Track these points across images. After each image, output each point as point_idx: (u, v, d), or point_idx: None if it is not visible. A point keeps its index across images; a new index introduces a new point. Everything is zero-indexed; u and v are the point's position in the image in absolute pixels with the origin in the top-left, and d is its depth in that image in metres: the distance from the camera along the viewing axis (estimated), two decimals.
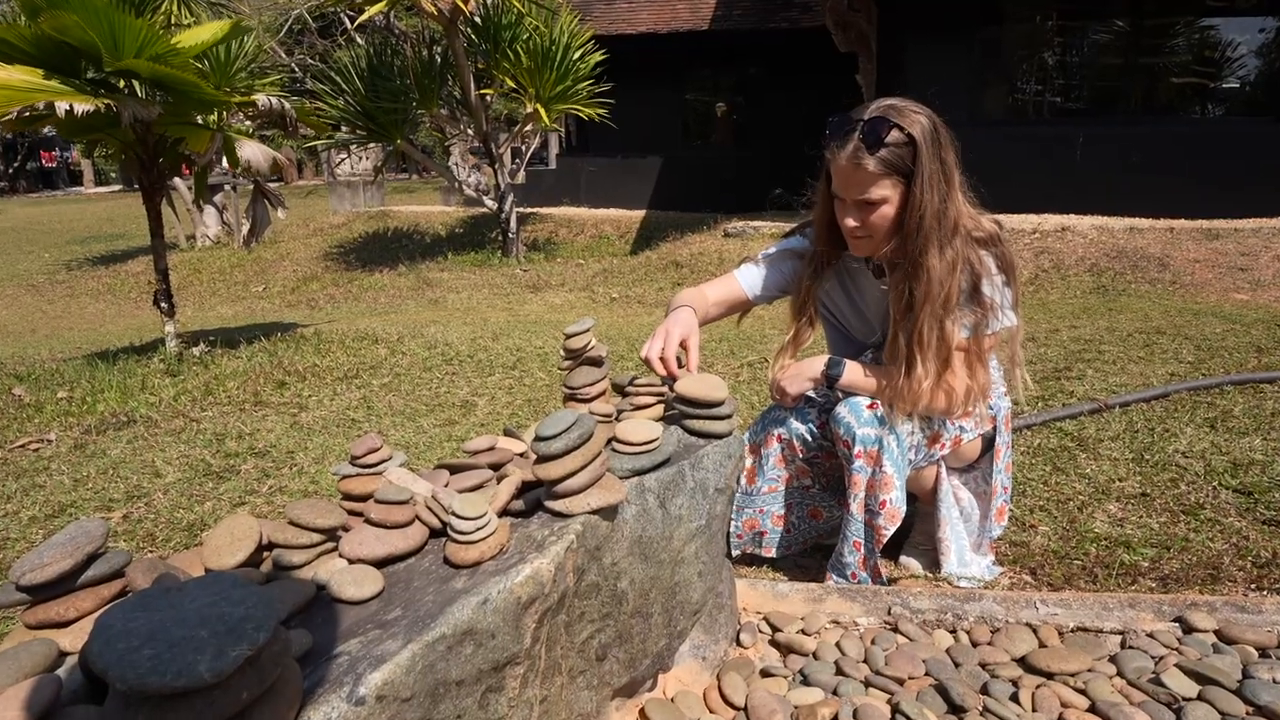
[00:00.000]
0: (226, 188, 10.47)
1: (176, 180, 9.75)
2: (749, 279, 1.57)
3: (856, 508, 1.45)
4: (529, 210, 10.36)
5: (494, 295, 6.55)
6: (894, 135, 1.30)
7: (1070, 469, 2.08)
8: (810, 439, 1.55)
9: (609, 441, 0.94)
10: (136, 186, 4.04)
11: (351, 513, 0.83)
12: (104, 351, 4.36)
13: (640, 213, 9.91)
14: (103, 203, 19.10)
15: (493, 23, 7.33)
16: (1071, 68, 7.42)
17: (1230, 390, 2.57)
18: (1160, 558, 1.63)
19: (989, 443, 1.57)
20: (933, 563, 1.59)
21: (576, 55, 7.46)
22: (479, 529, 0.74)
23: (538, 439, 0.80)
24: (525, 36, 7.23)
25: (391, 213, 11.18)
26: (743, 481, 1.61)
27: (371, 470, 0.87)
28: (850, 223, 1.35)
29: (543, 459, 0.80)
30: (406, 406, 3.00)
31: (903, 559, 1.65)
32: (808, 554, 1.71)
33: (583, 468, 0.79)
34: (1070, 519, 1.82)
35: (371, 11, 6.33)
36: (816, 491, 1.61)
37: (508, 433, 1.08)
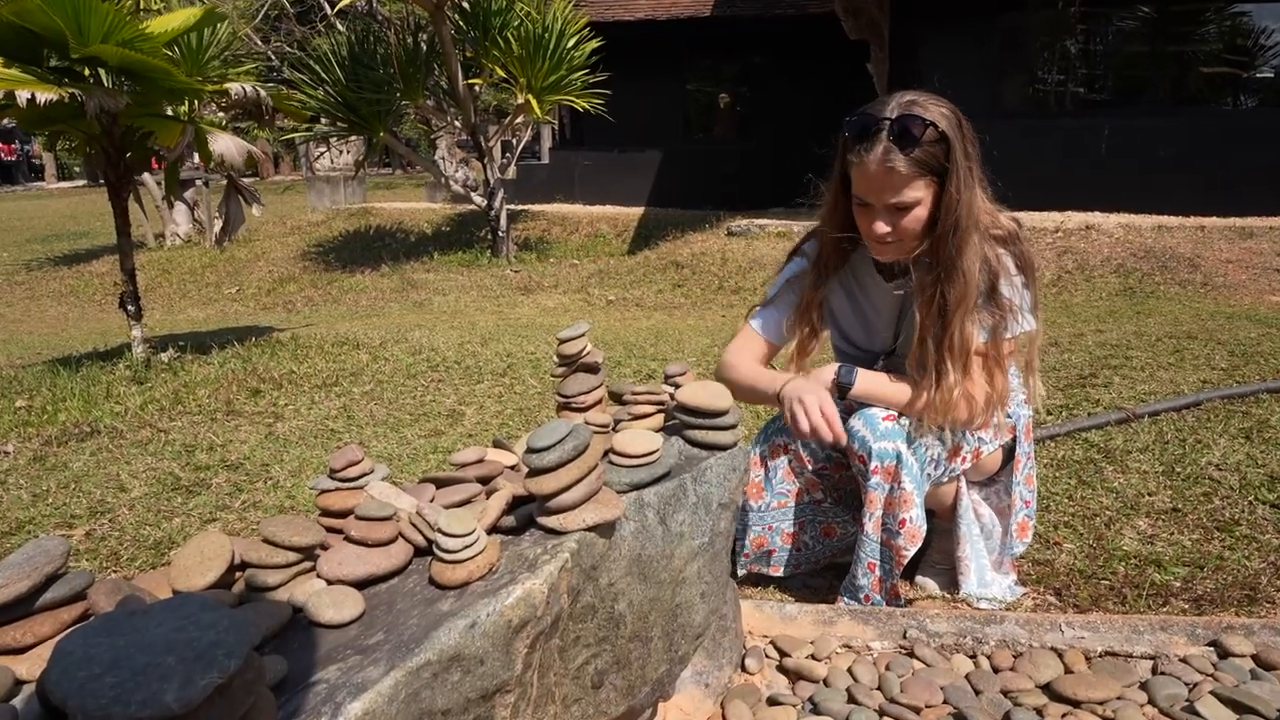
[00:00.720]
0: (198, 183, 10.47)
1: (145, 176, 9.76)
2: (768, 326, 1.58)
3: (872, 527, 1.45)
4: (520, 207, 10.38)
5: (483, 297, 6.56)
6: (928, 134, 1.29)
7: (1097, 483, 2.08)
8: (819, 450, 1.55)
9: (606, 453, 0.94)
10: (102, 182, 4.04)
11: (330, 530, 0.83)
12: (66, 357, 4.36)
13: (638, 210, 9.93)
14: (66, 199, 19.10)
15: (482, 8, 7.35)
16: (1095, 57, 7.45)
17: (1266, 398, 2.57)
18: (1193, 577, 1.63)
19: (1009, 454, 1.56)
20: (951, 582, 1.59)
21: (571, 43, 7.48)
22: (466, 547, 0.74)
23: (529, 451, 0.80)
24: (516, 23, 7.25)
25: (374, 210, 11.19)
26: (750, 500, 1.60)
27: (352, 484, 0.87)
28: (880, 228, 1.34)
29: (535, 472, 0.80)
30: (389, 416, 3.00)
31: (919, 579, 1.64)
32: (818, 573, 1.71)
33: (578, 481, 0.79)
34: (1097, 536, 1.82)
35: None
36: (829, 506, 1.61)
37: (497, 444, 1.07)
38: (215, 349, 4.13)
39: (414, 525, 0.82)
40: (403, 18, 10.26)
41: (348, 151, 14.62)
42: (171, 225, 10.65)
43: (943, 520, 1.61)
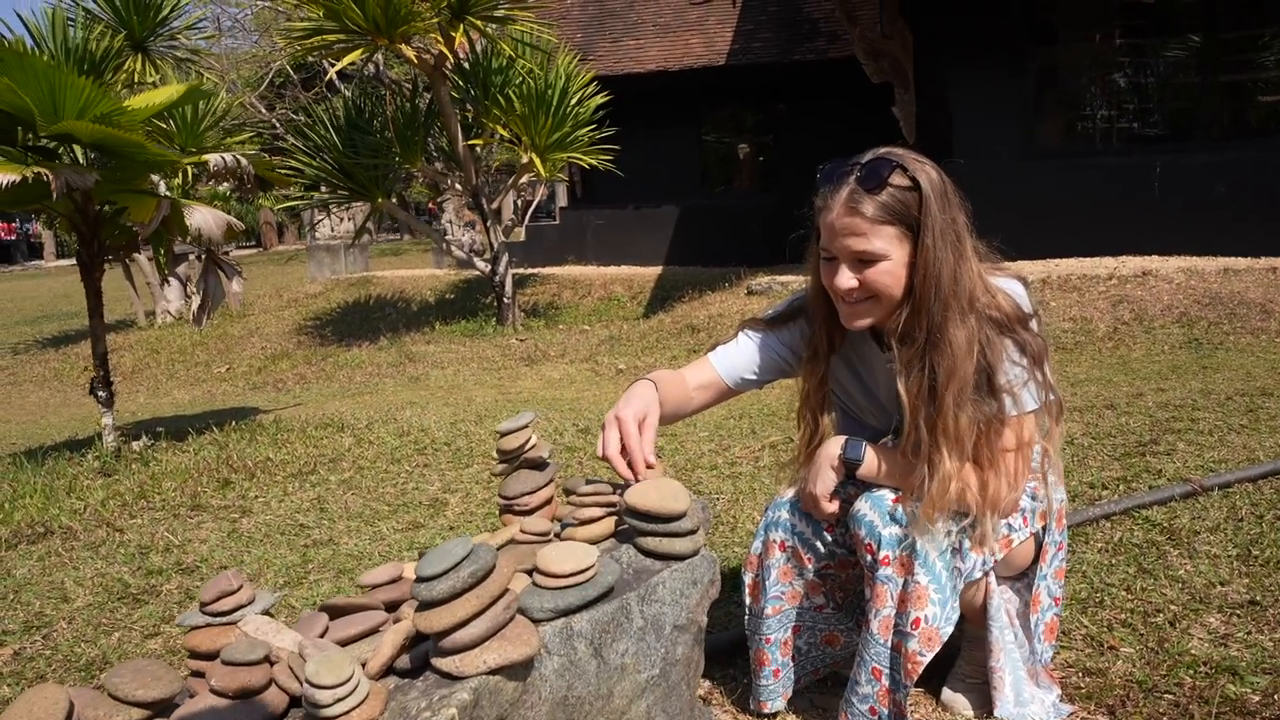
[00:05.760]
0: (191, 257, 10.77)
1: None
2: (724, 362, 1.52)
3: (879, 627, 1.34)
4: (529, 271, 10.50)
5: (483, 370, 6.56)
6: (897, 178, 1.27)
7: (1159, 570, 1.94)
8: (821, 546, 1.46)
9: (532, 571, 0.87)
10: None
11: (198, 674, 0.76)
12: (36, 448, 4.39)
13: (655, 269, 9.98)
14: (62, 277, 19.76)
15: (482, 67, 7.59)
16: (1142, 89, 7.45)
17: None
18: (1276, 687, 1.49)
19: (1039, 543, 1.46)
20: (984, 700, 1.46)
21: (575, 99, 7.66)
22: (338, 700, 0.66)
23: (417, 579, 0.73)
24: (518, 81, 7.46)
25: (375, 279, 11.40)
26: (748, 601, 1.51)
27: (224, 619, 0.80)
28: (844, 283, 1.29)
29: (424, 605, 0.73)
30: (365, 507, 2.94)
31: (946, 695, 1.52)
32: (823, 688, 1.59)
33: (478, 614, 0.72)
34: (1160, 637, 1.68)
35: (344, 62, 6.59)
36: (831, 611, 1.51)
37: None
38: (192, 435, 4.14)
39: (292, 669, 0.74)
40: (402, 81, 10.65)
41: (350, 218, 15.02)
42: (163, 302, 10.93)
43: (972, 624, 1.50)
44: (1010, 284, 1.35)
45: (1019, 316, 1.32)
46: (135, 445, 4.00)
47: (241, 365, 8.36)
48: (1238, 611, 1.74)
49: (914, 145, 7.94)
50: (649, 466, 1.23)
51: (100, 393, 4.09)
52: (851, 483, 1.41)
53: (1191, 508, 2.24)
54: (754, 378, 1.53)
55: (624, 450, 1.27)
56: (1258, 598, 1.78)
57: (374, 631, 0.84)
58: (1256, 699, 1.46)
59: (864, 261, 1.28)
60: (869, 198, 1.26)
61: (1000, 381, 1.29)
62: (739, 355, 1.52)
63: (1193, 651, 1.62)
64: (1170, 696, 1.49)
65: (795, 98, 10.85)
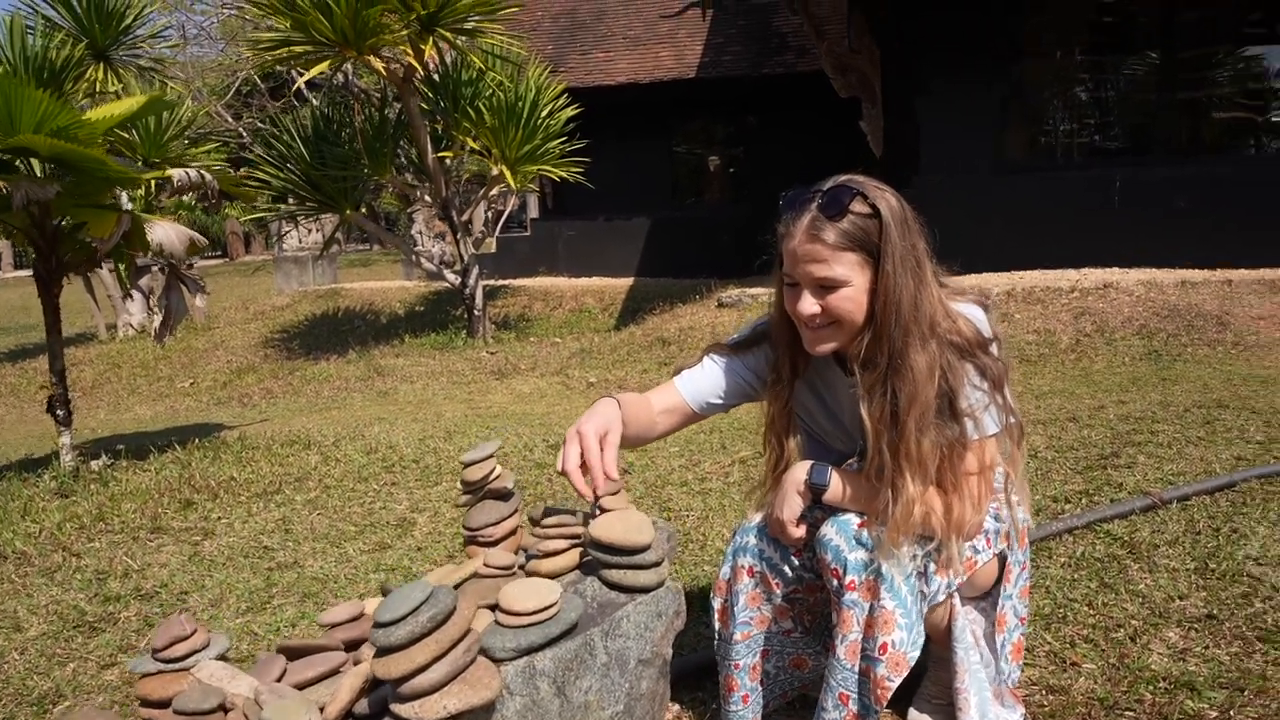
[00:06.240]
0: (155, 269, 10.59)
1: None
2: (689, 386, 1.52)
3: (845, 652, 1.35)
4: (500, 283, 10.46)
5: (453, 384, 6.52)
6: (858, 205, 1.29)
7: (1120, 585, 1.98)
8: (789, 570, 1.46)
9: (495, 608, 0.86)
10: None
11: None
12: None
13: (627, 281, 10.00)
14: (20, 288, 19.35)
15: (451, 79, 7.56)
16: (1103, 104, 7.62)
17: None
18: (1232, 703, 1.52)
19: (1003, 563, 1.48)
20: None
21: (545, 111, 7.67)
22: None
23: (376, 625, 0.72)
24: (488, 93, 7.45)
25: (343, 291, 11.29)
26: (717, 626, 1.51)
27: (177, 665, 0.78)
28: (807, 309, 1.31)
29: (383, 651, 0.72)
30: (332, 528, 2.90)
31: (912, 715, 1.53)
32: (791, 711, 1.59)
33: (438, 659, 0.71)
34: (1121, 653, 1.71)
35: (312, 73, 6.54)
36: (799, 635, 1.51)
37: (386, 593, 0.99)
38: (154, 453, 4.06)
39: (247, 718, 0.73)
40: (370, 91, 10.58)
41: (318, 230, 14.87)
42: (125, 315, 10.73)
43: (937, 646, 1.51)
44: (971, 309, 1.37)
45: (979, 341, 1.34)
46: (94, 465, 3.91)
47: (206, 380, 8.23)
48: (1196, 625, 1.78)
49: (881, 159, 8.02)
50: (610, 479, 1.23)
51: (58, 411, 4.00)
52: (818, 507, 1.42)
53: (1151, 521, 2.29)
54: (719, 402, 1.53)
55: (584, 467, 1.27)
56: (1214, 611, 1.82)
57: (334, 673, 0.82)
58: (1214, 714, 1.49)
59: (826, 288, 1.30)
60: (830, 225, 1.28)
61: (962, 406, 1.31)
62: (704, 380, 1.53)
63: (1153, 667, 1.65)
64: (1131, 713, 1.52)
65: (765, 110, 10.96)
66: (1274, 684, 1.55)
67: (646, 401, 1.48)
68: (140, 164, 5.15)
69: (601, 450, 1.29)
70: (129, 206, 4.06)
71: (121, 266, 10.03)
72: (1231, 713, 1.49)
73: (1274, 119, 7.32)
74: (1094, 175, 6.98)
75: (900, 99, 7.30)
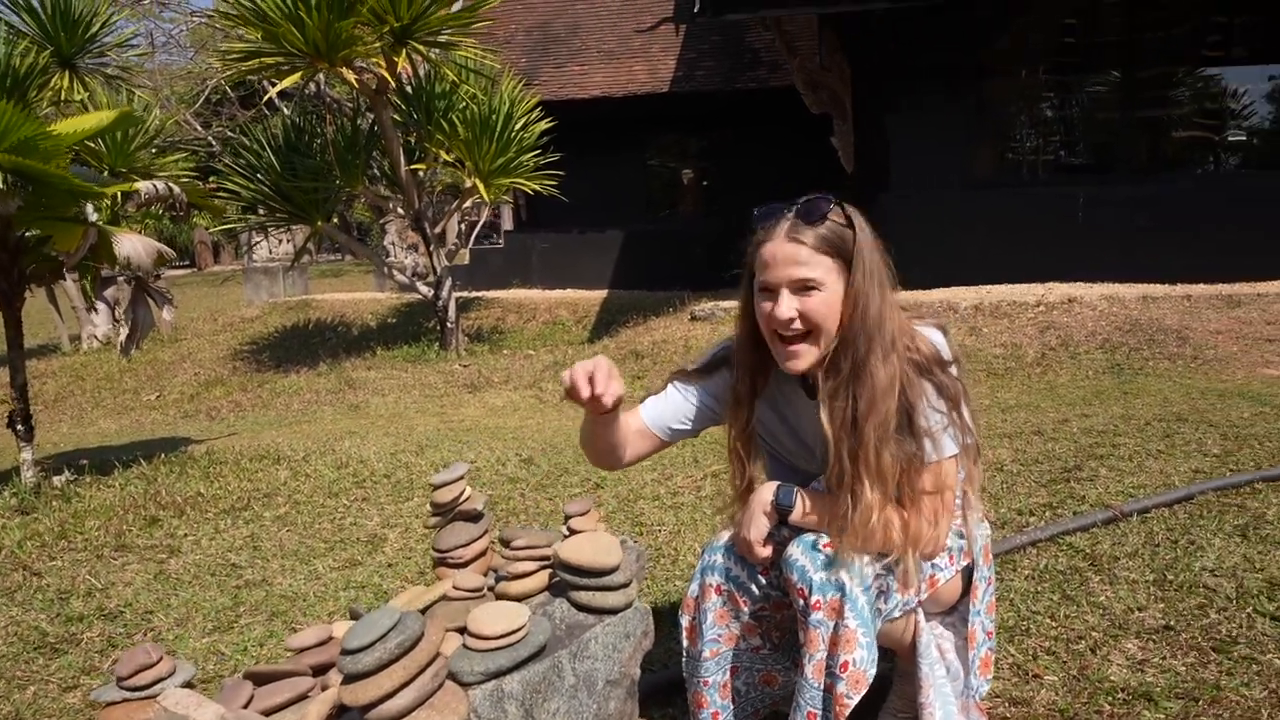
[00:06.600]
0: (120, 280, 10.43)
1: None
2: (652, 413, 1.55)
3: (812, 671, 1.37)
4: (473, 295, 10.43)
5: (425, 397, 6.48)
6: (835, 214, 1.35)
7: (1082, 597, 2.02)
8: (756, 589, 1.48)
9: (464, 631, 0.87)
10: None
11: None
12: None
13: (601, 293, 10.02)
14: None
15: (425, 91, 7.55)
16: (1068, 123, 7.79)
17: (1262, 488, 2.55)
18: (1187, 712, 1.56)
19: (968, 580, 1.51)
20: None
21: (520, 124, 7.68)
22: None
23: (343, 652, 0.73)
24: (462, 105, 7.45)
25: (314, 302, 11.18)
26: (685, 644, 1.52)
27: (142, 694, 0.78)
28: (784, 312, 1.33)
29: (350, 678, 0.73)
30: (301, 545, 2.88)
31: None
32: None
33: (405, 685, 0.72)
34: (1081, 664, 1.75)
35: (284, 84, 6.50)
36: (768, 652, 1.53)
37: (354, 616, 0.99)
38: (118, 468, 3.99)
39: None
40: (342, 101, 10.53)
41: (289, 240, 14.73)
42: (89, 327, 10.54)
43: (903, 661, 1.54)
44: (931, 332, 1.41)
45: (938, 360, 1.38)
46: (56, 480, 3.84)
47: (173, 392, 8.10)
48: (1153, 637, 1.82)
49: (853, 175, 8.11)
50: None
51: (19, 426, 3.93)
52: (785, 527, 1.44)
53: (1113, 533, 2.34)
54: (684, 427, 1.56)
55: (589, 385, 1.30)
56: (1172, 623, 1.86)
57: (301, 698, 0.82)
58: None
59: (803, 290, 1.33)
60: (809, 229, 1.33)
61: (920, 423, 1.34)
62: (668, 407, 1.55)
63: (1112, 678, 1.68)
64: None
65: (738, 124, 11.06)
66: (1228, 694, 1.60)
67: (623, 419, 1.50)
68: (106, 174, 5.08)
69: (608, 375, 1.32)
70: (94, 218, 3.99)
71: (86, 279, 9.86)
72: None
73: (1231, 138, 7.54)
74: (1059, 192, 7.13)
75: (870, 116, 7.42)
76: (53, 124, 3.97)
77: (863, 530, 1.32)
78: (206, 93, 15.82)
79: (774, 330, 1.38)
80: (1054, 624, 1.92)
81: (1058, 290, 6.37)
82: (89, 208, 4.07)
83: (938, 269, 6.74)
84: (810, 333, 1.35)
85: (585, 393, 1.30)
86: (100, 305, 10.22)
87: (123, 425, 7.04)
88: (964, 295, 6.43)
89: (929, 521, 1.37)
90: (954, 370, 1.38)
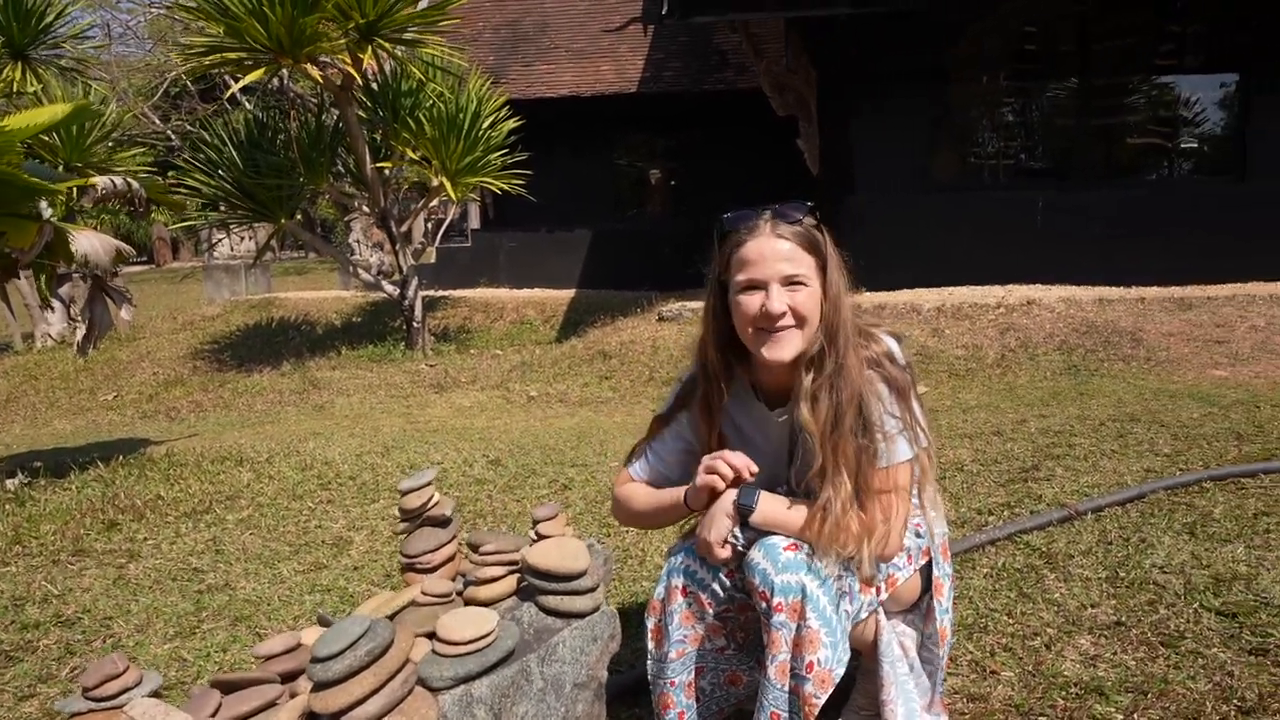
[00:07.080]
0: (75, 277, 10.18)
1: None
2: (647, 473, 1.60)
3: (776, 672, 1.39)
4: (440, 294, 10.35)
5: (391, 398, 6.43)
6: (807, 218, 1.42)
7: (1038, 594, 2.07)
8: (720, 591, 1.50)
9: (433, 636, 0.88)
10: None
11: None
12: None
13: (569, 292, 10.00)
14: None
15: (391, 89, 7.49)
16: (1028, 128, 7.95)
17: (1210, 487, 2.63)
18: (1136, 706, 1.61)
19: (927, 579, 1.54)
20: None
21: (487, 123, 7.64)
22: None
23: (313, 660, 0.73)
24: (429, 104, 7.40)
25: (278, 300, 11.02)
26: (650, 645, 1.54)
27: (109, 704, 0.78)
28: (777, 306, 1.38)
29: (320, 685, 0.73)
30: (265, 548, 2.85)
31: None
32: None
33: (374, 692, 0.73)
34: (1036, 660, 1.80)
35: (246, 80, 6.40)
36: (732, 653, 1.55)
37: (323, 622, 1.00)
38: (75, 470, 3.91)
39: None
40: (306, 96, 10.38)
41: (251, 237, 14.49)
42: (43, 325, 10.29)
43: (865, 659, 1.57)
44: (886, 338, 1.46)
45: (888, 354, 1.45)
46: (9, 484, 3.75)
47: (131, 392, 7.94)
48: (1105, 633, 1.88)
49: (818, 177, 8.20)
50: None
51: None
52: (747, 529, 1.46)
53: (1068, 532, 2.40)
54: (679, 477, 1.59)
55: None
56: (1123, 619, 1.92)
57: (269, 706, 0.83)
58: (1120, 718, 1.58)
59: (791, 286, 1.39)
60: (791, 229, 1.40)
61: (874, 418, 1.40)
62: (658, 464, 1.60)
63: (1065, 673, 1.74)
64: (1044, 718, 1.60)
65: (706, 125, 11.11)
66: (1175, 687, 1.65)
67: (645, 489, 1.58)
68: (61, 169, 4.97)
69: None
70: (49, 214, 3.90)
71: (41, 277, 9.61)
72: (1136, 715, 1.58)
73: (1184, 144, 7.75)
74: (1018, 196, 7.28)
75: (835, 119, 7.50)
76: (5, 117, 3.88)
77: (843, 529, 1.36)
78: (165, 86, 15.50)
79: (758, 326, 1.41)
80: (1011, 621, 1.97)
81: (1018, 293, 6.51)
82: (44, 204, 3.98)
83: (902, 271, 6.85)
84: (797, 325, 1.41)
85: (731, 476, 1.41)
86: (55, 303, 9.98)
87: (79, 426, 6.88)
88: (927, 297, 6.54)
89: (883, 516, 1.41)
90: (907, 375, 1.43)
